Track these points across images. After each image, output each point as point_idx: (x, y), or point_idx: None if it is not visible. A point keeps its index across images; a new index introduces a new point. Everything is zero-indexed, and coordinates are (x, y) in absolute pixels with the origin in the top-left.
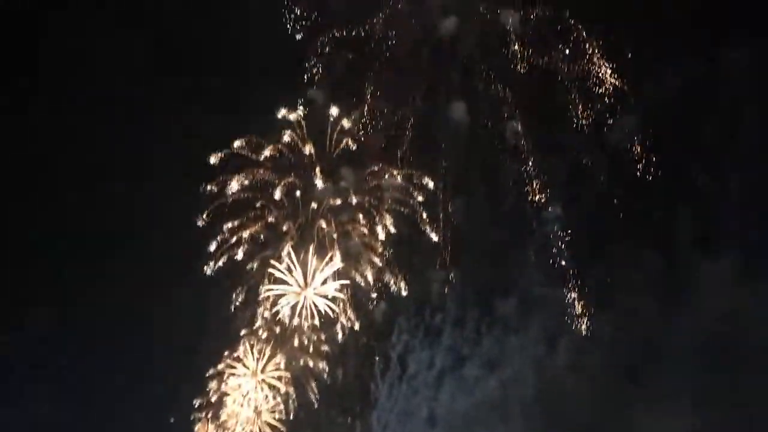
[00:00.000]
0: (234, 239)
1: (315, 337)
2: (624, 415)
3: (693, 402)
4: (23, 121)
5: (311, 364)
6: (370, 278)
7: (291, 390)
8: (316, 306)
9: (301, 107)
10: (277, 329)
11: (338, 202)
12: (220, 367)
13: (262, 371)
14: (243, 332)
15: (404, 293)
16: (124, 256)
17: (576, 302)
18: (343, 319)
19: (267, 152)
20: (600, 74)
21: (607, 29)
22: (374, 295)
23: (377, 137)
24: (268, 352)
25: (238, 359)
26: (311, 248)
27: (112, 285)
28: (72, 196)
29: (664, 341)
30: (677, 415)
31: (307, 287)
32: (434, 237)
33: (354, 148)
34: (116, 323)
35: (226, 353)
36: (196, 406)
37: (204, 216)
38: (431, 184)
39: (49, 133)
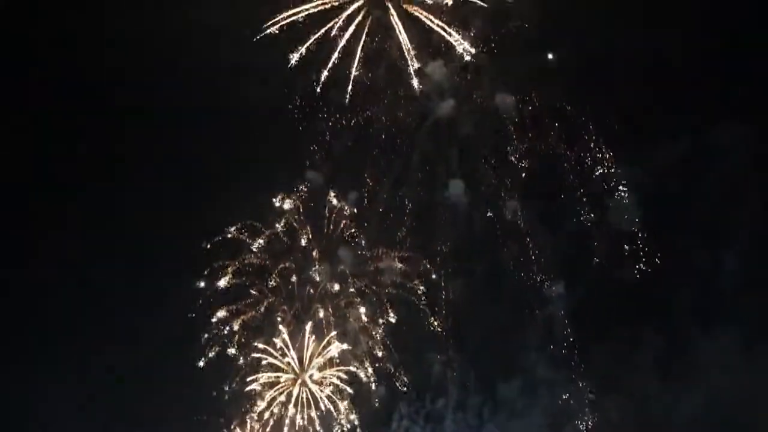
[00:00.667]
0: (227, 329)
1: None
2: None
3: None
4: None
5: None
6: (368, 365)
7: None
8: (312, 394)
9: (300, 189)
10: (272, 421)
11: (336, 286)
12: None
13: None
14: (235, 424)
15: (404, 384)
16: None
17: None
18: (341, 406)
19: (263, 238)
20: (596, 155)
21: (601, 110)
22: (374, 381)
23: (376, 220)
24: None
25: None
26: (307, 333)
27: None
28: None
29: (669, 421)
30: None
31: (304, 372)
32: (434, 320)
33: (352, 231)
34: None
35: None
36: None
37: (197, 305)
38: (430, 268)
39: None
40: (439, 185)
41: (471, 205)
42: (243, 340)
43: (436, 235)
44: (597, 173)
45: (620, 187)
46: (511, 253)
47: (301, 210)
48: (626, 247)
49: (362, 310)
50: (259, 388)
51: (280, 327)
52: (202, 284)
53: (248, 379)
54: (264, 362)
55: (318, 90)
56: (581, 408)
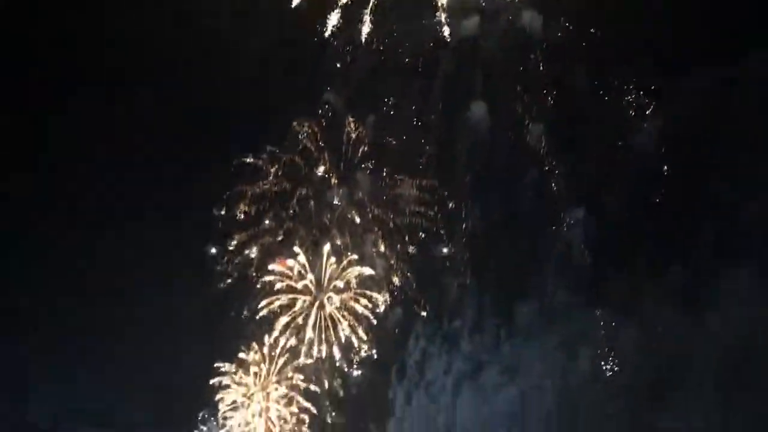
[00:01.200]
0: (245, 253)
1: (330, 345)
2: (645, 427)
3: (715, 413)
4: None
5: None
6: (385, 289)
7: (304, 401)
8: (330, 316)
9: (319, 114)
10: (293, 338)
11: (353, 213)
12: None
13: (276, 381)
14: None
15: (421, 307)
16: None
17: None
18: (359, 329)
19: (281, 164)
20: (624, 82)
21: (629, 36)
22: (391, 304)
23: (395, 145)
24: (282, 360)
25: (249, 367)
26: (325, 256)
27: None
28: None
29: (687, 352)
30: (699, 427)
31: (322, 294)
32: (453, 243)
33: (371, 155)
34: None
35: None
36: (199, 418)
37: (217, 228)
38: (448, 195)
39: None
40: (461, 108)
41: (493, 128)
42: (261, 264)
43: (457, 160)
44: (624, 99)
45: (647, 113)
46: (532, 178)
47: (319, 136)
48: (650, 176)
49: (380, 235)
50: (277, 310)
51: (298, 249)
52: (222, 211)
53: (265, 302)
54: (282, 285)
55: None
56: (597, 334)
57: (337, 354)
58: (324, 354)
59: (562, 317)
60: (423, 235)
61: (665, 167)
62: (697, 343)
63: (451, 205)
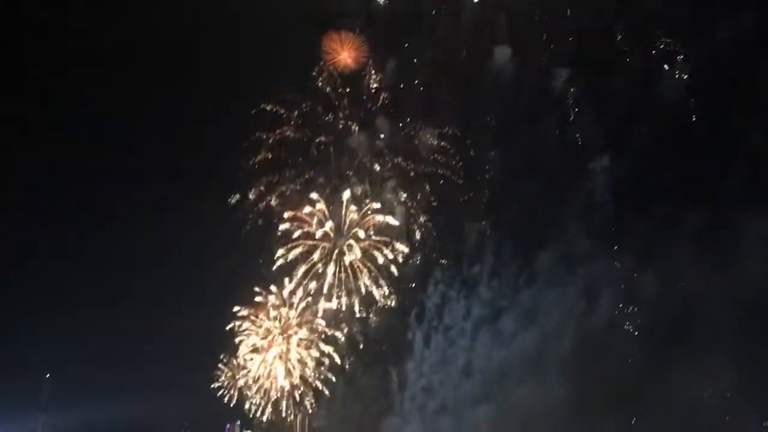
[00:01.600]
0: (266, 200)
1: (350, 293)
2: (663, 370)
3: (732, 357)
4: None
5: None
6: (405, 235)
7: (324, 345)
8: (351, 265)
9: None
10: (313, 282)
11: (373, 160)
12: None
13: (297, 324)
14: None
15: (441, 252)
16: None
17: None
18: (380, 278)
19: (302, 110)
20: (652, 26)
21: None
22: (410, 250)
23: (415, 91)
24: (302, 305)
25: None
26: (344, 202)
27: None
28: None
29: (706, 298)
30: (717, 371)
31: (342, 238)
32: (474, 191)
33: (390, 100)
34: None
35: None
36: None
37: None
38: (470, 142)
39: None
40: (484, 52)
41: (517, 73)
42: (281, 212)
43: (480, 104)
44: (652, 45)
45: (677, 59)
46: (556, 124)
47: (339, 82)
48: (676, 123)
49: (400, 182)
50: (298, 257)
51: (317, 196)
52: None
53: (283, 250)
54: (302, 231)
55: None
56: (617, 280)
57: (357, 301)
58: (344, 301)
59: (583, 263)
60: (443, 183)
61: (692, 115)
62: (716, 288)
63: (472, 152)
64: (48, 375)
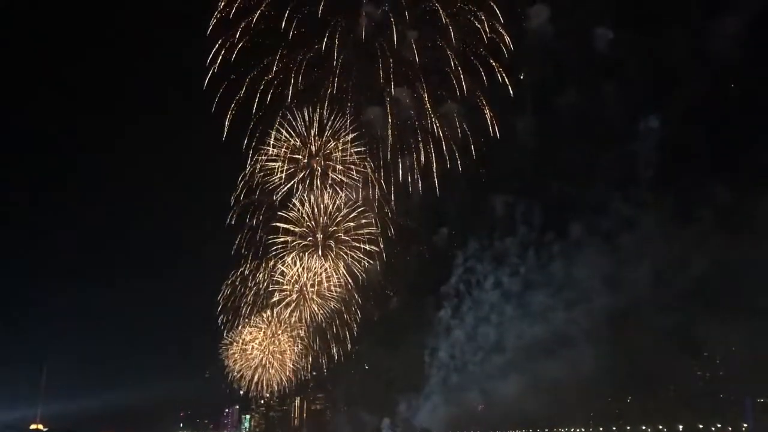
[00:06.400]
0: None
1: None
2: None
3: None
4: None
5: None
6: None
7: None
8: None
9: None
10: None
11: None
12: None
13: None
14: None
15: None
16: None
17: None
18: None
19: None
20: None
21: None
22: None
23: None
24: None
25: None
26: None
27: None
28: None
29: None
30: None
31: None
32: (502, 160)
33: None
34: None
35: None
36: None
37: None
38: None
39: None
40: (518, 12)
41: (556, 34)
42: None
43: (515, 67)
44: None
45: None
46: (596, 85)
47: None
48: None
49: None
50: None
51: None
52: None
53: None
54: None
55: None
56: (653, 247)
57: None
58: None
59: (618, 230)
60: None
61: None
62: (751, 255)
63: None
64: (45, 363)
